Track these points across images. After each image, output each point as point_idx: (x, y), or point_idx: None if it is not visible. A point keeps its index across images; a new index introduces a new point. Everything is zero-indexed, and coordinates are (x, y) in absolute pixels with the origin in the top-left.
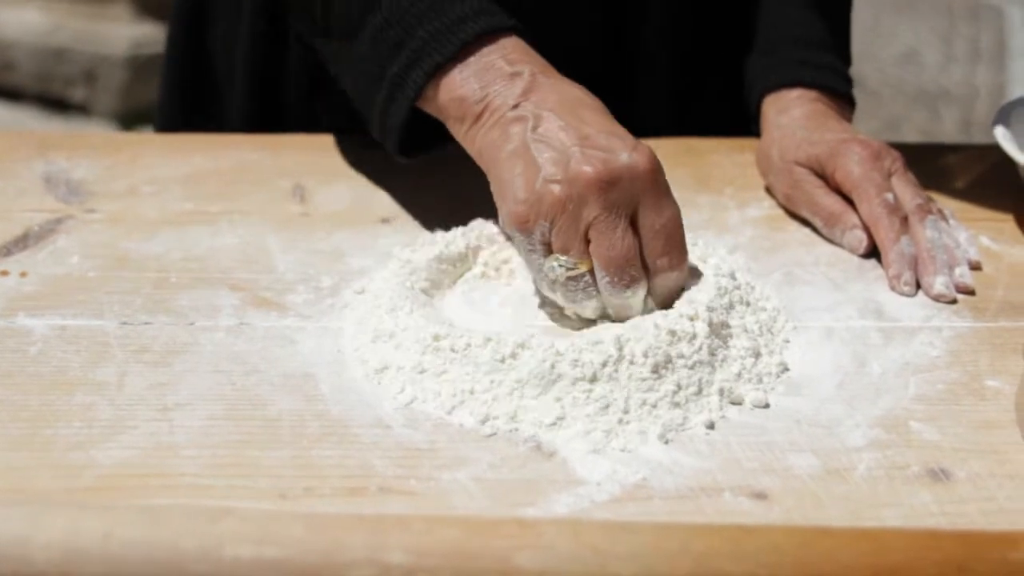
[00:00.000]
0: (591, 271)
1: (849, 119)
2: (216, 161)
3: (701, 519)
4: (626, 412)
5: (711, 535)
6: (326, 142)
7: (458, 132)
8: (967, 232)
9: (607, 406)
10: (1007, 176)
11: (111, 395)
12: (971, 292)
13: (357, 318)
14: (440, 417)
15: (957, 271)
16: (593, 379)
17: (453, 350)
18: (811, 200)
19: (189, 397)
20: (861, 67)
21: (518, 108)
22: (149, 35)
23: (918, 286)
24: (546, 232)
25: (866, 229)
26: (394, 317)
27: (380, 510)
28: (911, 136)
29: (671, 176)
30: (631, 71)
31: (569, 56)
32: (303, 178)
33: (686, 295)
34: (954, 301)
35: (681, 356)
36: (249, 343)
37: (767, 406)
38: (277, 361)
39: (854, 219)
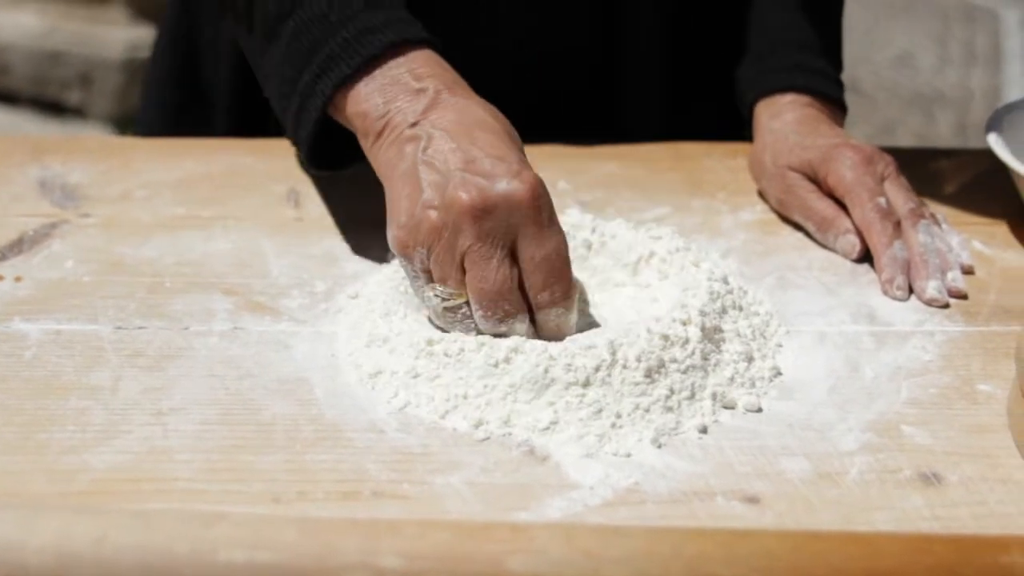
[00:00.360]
0: (468, 303)
1: (841, 124)
2: (209, 165)
3: (694, 523)
4: (619, 416)
5: (703, 539)
6: None
7: (364, 146)
8: (959, 236)
9: (600, 410)
10: (1000, 181)
11: (105, 399)
12: (964, 296)
13: (351, 323)
14: (433, 421)
15: (949, 275)
16: (586, 383)
17: (447, 355)
18: (804, 205)
19: (183, 401)
20: (856, 70)
21: (416, 127)
22: (145, 38)
23: (911, 290)
24: (424, 259)
25: (859, 234)
26: (388, 322)
27: (373, 514)
28: (906, 139)
29: (665, 180)
30: (620, 74)
31: (557, 59)
32: (297, 183)
33: (679, 299)
34: (946, 305)
35: (674, 360)
36: (243, 347)
37: (760, 410)
38: (271, 365)
39: (847, 224)
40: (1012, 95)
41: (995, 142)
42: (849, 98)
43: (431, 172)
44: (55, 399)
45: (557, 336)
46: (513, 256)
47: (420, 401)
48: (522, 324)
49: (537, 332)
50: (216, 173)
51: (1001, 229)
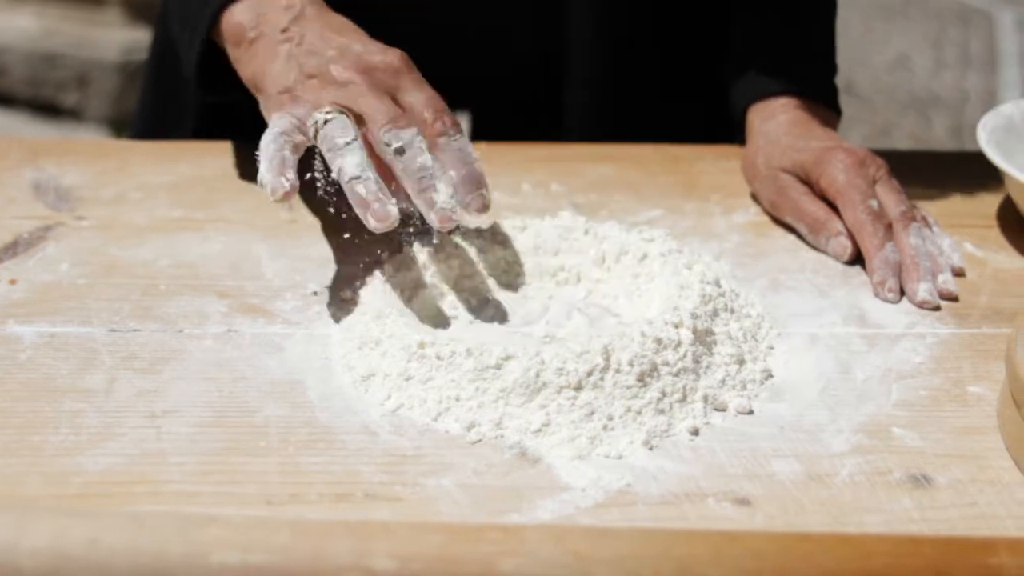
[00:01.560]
0: (357, 119)
1: (834, 127)
2: (204, 168)
3: (684, 525)
4: (611, 419)
5: (693, 541)
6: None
7: (236, 56)
8: (950, 239)
9: (592, 413)
10: (992, 183)
11: (99, 402)
12: (955, 299)
13: (344, 325)
14: (426, 424)
15: (940, 278)
16: (578, 387)
17: (439, 357)
18: (796, 207)
19: (177, 404)
20: (852, 73)
21: (286, 32)
22: (141, 41)
23: (902, 292)
24: (303, 115)
25: (851, 236)
26: (380, 324)
27: (366, 516)
28: (902, 142)
29: (658, 183)
30: (615, 74)
31: (502, 35)
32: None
33: (671, 302)
34: (937, 308)
35: (666, 364)
36: (237, 350)
37: (751, 412)
38: (264, 368)
39: (839, 226)
40: (1007, 97)
41: (987, 144)
42: (845, 101)
43: (309, 57)
44: (49, 402)
45: (463, 162)
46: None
47: (413, 403)
48: (417, 139)
49: (443, 165)
50: (210, 176)
51: (993, 232)
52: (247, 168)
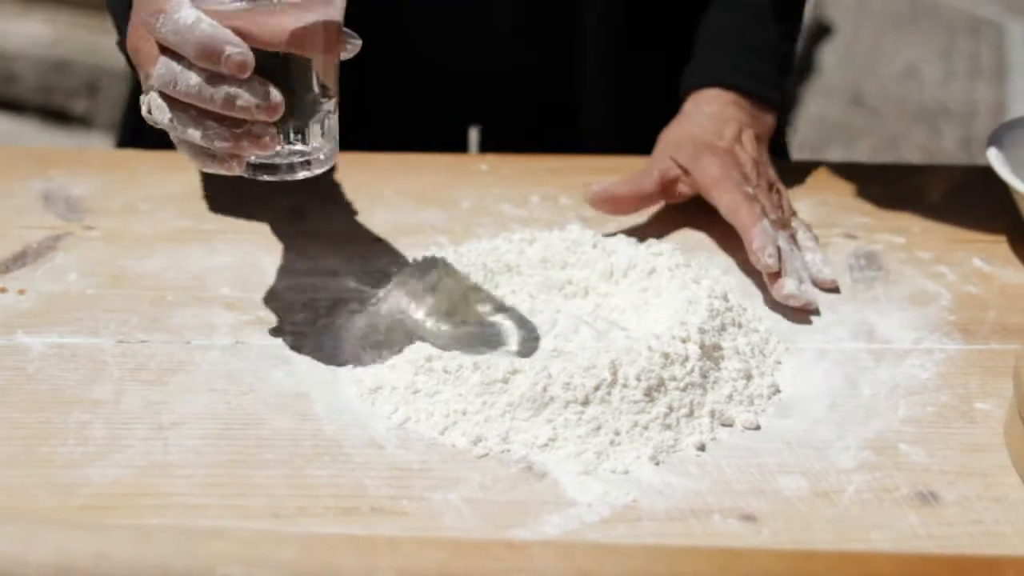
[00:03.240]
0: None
1: (768, 126)
2: (212, 178)
3: (690, 541)
4: (617, 434)
5: (699, 558)
6: None
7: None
8: (820, 255)
9: (598, 428)
10: (1001, 197)
11: (107, 413)
12: (815, 310)
13: (351, 337)
14: (433, 438)
15: (802, 287)
16: (585, 402)
17: (446, 371)
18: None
19: (184, 416)
20: (861, 83)
21: None
22: None
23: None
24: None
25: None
26: (388, 337)
27: (372, 530)
28: (911, 153)
29: None
30: (578, 54)
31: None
32: (300, 196)
33: (679, 317)
34: (806, 307)
35: (673, 378)
36: (244, 362)
37: (758, 428)
38: (272, 380)
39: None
40: (1017, 108)
41: (995, 159)
42: (854, 111)
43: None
44: (57, 413)
45: (190, 37)
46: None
47: (419, 417)
48: (162, 57)
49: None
50: (219, 186)
51: (1002, 247)
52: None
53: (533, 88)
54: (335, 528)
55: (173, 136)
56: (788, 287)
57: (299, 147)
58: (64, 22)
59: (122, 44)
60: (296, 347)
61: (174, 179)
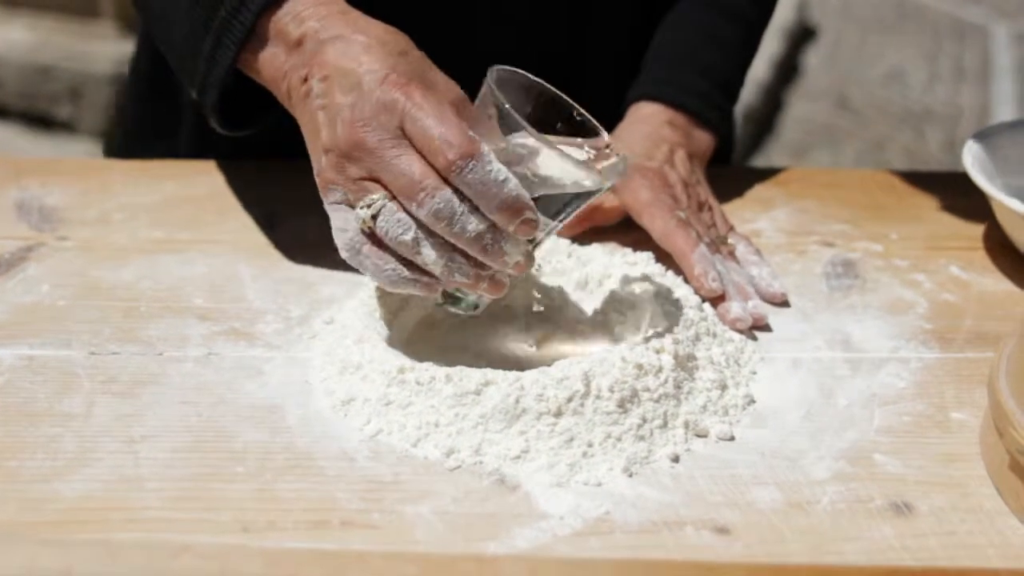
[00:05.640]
0: (393, 198)
1: (704, 146)
2: (188, 188)
3: (663, 554)
4: (590, 445)
5: (670, 572)
6: (298, 169)
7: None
8: (767, 268)
9: (571, 439)
10: (978, 204)
11: (77, 427)
12: (764, 324)
13: (325, 349)
14: (405, 450)
15: (750, 304)
16: (558, 413)
17: (419, 383)
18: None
19: (155, 429)
20: (846, 87)
21: (307, 82)
22: None
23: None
24: (345, 194)
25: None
26: (361, 349)
27: (342, 544)
28: (896, 156)
29: None
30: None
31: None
32: (274, 206)
33: (652, 327)
34: (752, 328)
35: (647, 389)
36: (217, 373)
37: (732, 439)
38: (244, 392)
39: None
40: (1001, 111)
41: (972, 166)
42: (839, 114)
43: (324, 116)
44: (27, 426)
45: (488, 191)
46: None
47: (392, 429)
48: (446, 191)
49: (469, 201)
50: (194, 196)
51: (978, 253)
52: (231, 189)
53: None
54: (305, 542)
55: (358, 244)
56: (733, 311)
57: None
58: (47, 27)
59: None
60: (269, 358)
61: (148, 189)
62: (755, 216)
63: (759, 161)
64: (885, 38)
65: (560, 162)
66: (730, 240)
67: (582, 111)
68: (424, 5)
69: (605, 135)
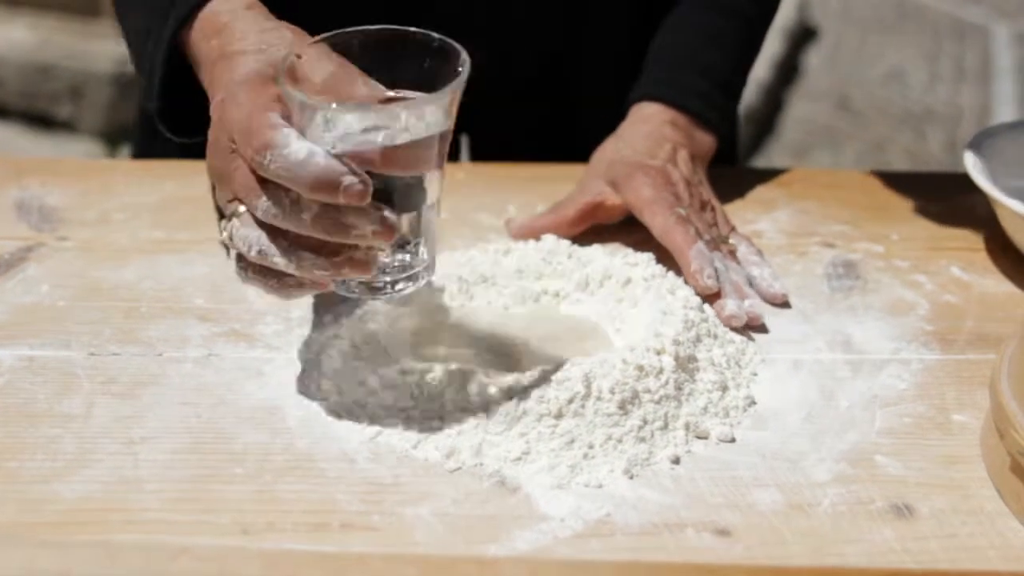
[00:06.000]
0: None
1: (706, 147)
2: (188, 188)
3: (664, 556)
4: (591, 447)
5: (670, 575)
6: None
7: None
8: (768, 268)
9: (572, 441)
10: (980, 205)
11: (77, 428)
12: (762, 325)
13: (325, 349)
14: (405, 451)
15: (746, 303)
16: (559, 415)
17: (419, 384)
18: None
19: (155, 430)
20: (846, 88)
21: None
22: None
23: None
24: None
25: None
26: (361, 349)
27: (342, 546)
28: (896, 156)
29: None
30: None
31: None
32: None
33: (653, 328)
34: (747, 326)
35: (648, 391)
36: (217, 374)
37: (733, 440)
38: (244, 393)
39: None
40: (1002, 111)
41: (974, 166)
42: (840, 115)
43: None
44: (26, 427)
45: (299, 179)
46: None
47: (392, 430)
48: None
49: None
50: (195, 196)
51: (980, 255)
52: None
53: (526, 97)
54: (304, 544)
55: (243, 266)
56: (728, 308)
57: (407, 261)
58: (48, 26)
59: (161, 110)
60: (269, 359)
61: (149, 189)
62: (756, 217)
63: (760, 162)
64: (885, 38)
65: (391, 113)
66: (731, 240)
67: (424, 32)
68: (421, 5)
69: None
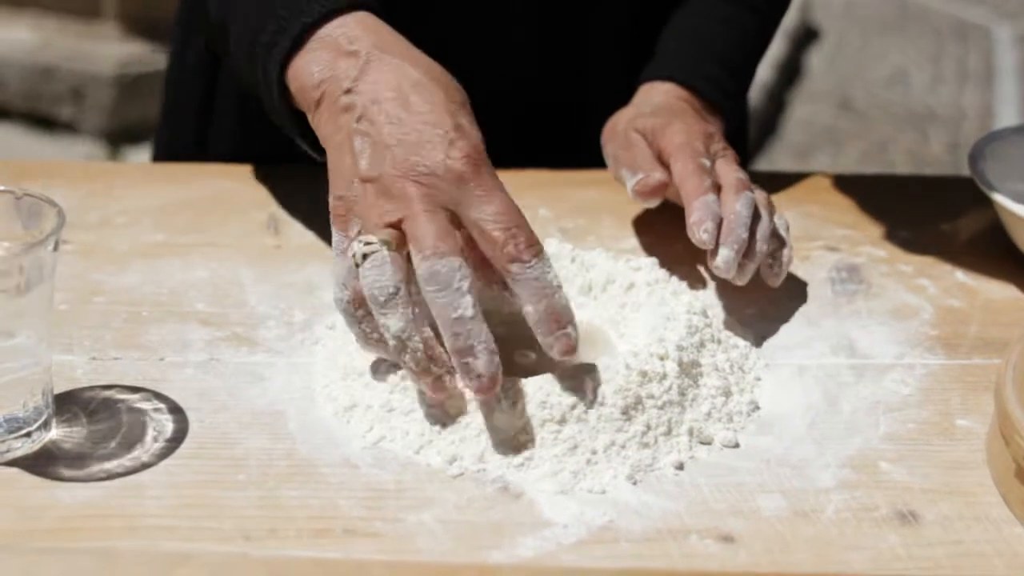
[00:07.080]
0: (398, 250)
1: (717, 128)
2: (190, 191)
3: (667, 562)
4: (594, 453)
5: None
6: (301, 173)
7: (310, 121)
8: (787, 251)
9: (575, 447)
10: (984, 209)
11: None
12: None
13: (327, 354)
14: (408, 457)
15: (749, 264)
16: (562, 420)
17: (421, 390)
18: (632, 159)
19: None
20: (849, 88)
21: (349, 94)
22: (137, 54)
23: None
24: (360, 230)
25: (657, 189)
26: (364, 354)
27: (345, 552)
28: (898, 157)
29: (647, 208)
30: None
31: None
32: (277, 209)
33: (657, 333)
34: (733, 280)
35: (651, 396)
36: (219, 379)
37: (737, 446)
38: (246, 398)
39: (658, 173)
40: (1004, 112)
41: (978, 172)
42: (842, 116)
43: (365, 143)
44: None
45: (541, 295)
46: (457, 223)
47: (395, 436)
48: (460, 270)
49: (518, 302)
50: (196, 199)
51: (984, 259)
52: (233, 192)
53: (536, 104)
54: (307, 551)
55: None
56: (719, 258)
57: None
58: (50, 28)
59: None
60: (271, 364)
61: (151, 193)
62: None
63: (762, 162)
64: (888, 39)
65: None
66: (776, 220)
67: None
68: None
69: None
